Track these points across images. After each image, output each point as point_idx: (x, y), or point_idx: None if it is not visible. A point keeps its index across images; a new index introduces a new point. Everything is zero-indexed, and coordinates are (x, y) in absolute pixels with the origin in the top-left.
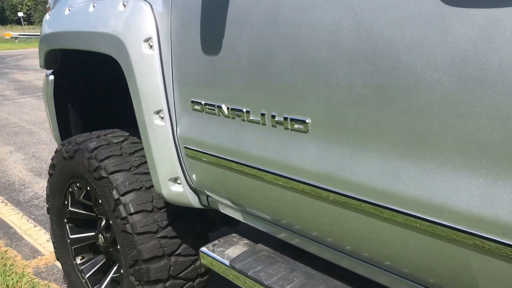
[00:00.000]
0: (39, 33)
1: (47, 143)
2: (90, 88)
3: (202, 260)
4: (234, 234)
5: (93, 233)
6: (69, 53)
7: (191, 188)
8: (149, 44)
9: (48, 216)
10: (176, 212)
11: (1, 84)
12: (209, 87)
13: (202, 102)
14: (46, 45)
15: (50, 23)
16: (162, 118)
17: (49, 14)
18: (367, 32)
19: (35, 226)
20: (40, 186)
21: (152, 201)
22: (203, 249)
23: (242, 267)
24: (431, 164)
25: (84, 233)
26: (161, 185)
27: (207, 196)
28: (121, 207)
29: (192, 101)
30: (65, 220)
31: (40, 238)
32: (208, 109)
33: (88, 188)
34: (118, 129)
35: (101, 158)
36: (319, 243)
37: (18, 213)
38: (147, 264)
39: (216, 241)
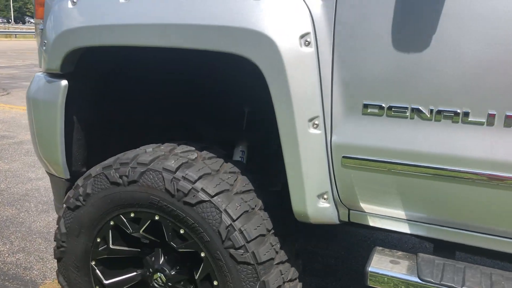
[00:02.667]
0: None
1: None
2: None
3: (369, 281)
4: (380, 248)
5: (136, 273)
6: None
7: (335, 203)
8: (306, 41)
9: None
10: (284, 233)
11: None
12: (400, 87)
13: (383, 105)
14: (75, 41)
15: (87, 13)
16: (317, 126)
17: (74, 1)
18: None
19: None
20: None
21: (263, 223)
22: (373, 269)
23: (441, 280)
24: None
25: (123, 275)
26: (307, 203)
27: (349, 210)
28: (236, 234)
29: (365, 104)
30: (93, 263)
31: None
32: (394, 112)
33: (157, 218)
34: (175, 143)
35: (194, 179)
36: None
37: None
38: None
39: (375, 258)
